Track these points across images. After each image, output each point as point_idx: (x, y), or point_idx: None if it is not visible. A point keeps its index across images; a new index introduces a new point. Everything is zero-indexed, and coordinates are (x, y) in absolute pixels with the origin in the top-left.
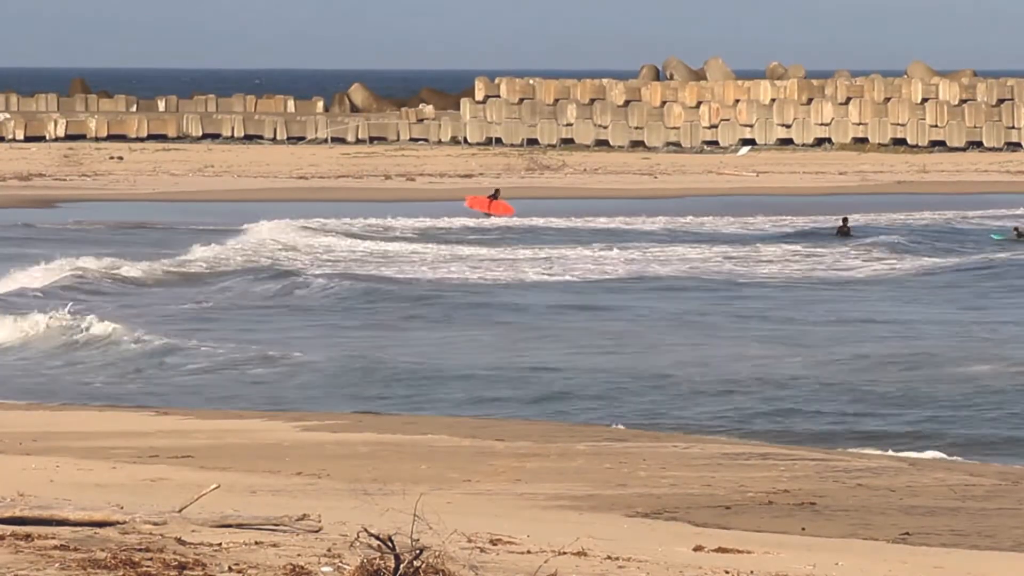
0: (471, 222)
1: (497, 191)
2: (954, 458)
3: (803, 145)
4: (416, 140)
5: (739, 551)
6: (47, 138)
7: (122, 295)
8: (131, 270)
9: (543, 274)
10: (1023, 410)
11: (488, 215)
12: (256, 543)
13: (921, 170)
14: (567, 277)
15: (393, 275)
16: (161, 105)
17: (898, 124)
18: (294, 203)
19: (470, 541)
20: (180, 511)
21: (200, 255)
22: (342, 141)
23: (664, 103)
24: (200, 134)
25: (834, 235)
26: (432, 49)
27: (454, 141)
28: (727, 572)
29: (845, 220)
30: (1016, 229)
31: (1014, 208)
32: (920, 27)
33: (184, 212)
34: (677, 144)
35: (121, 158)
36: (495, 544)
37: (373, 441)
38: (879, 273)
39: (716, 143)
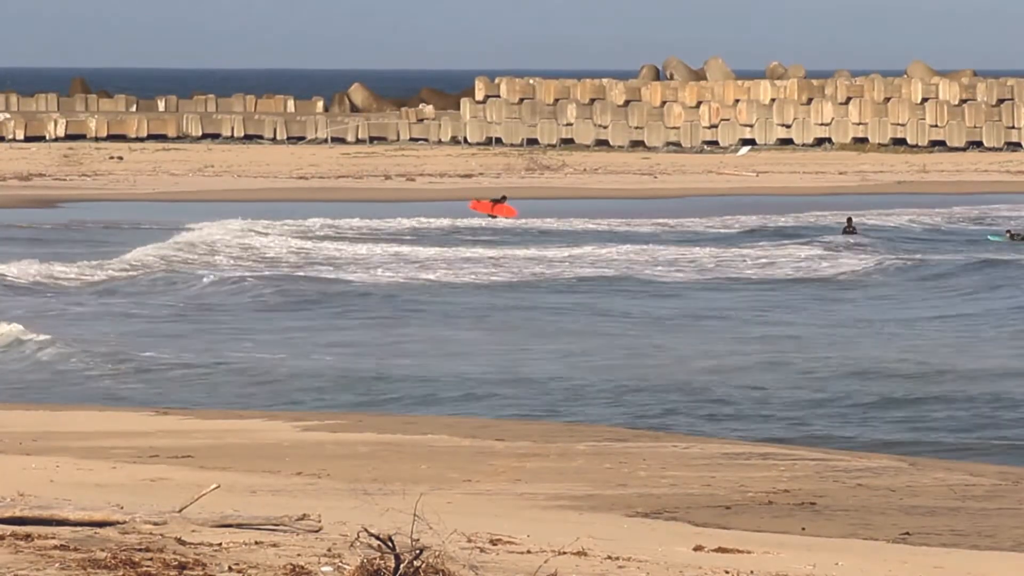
0: (462, 223)
1: (504, 197)
2: (954, 458)
3: (803, 145)
4: (416, 140)
5: (739, 551)
6: (47, 138)
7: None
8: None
9: (541, 274)
10: (1023, 409)
11: (493, 216)
12: (256, 543)
13: (921, 170)
14: (566, 277)
15: (390, 276)
16: (161, 105)
17: (898, 124)
18: (294, 203)
19: (470, 541)
20: (180, 511)
21: (154, 253)
22: (342, 141)
23: (664, 103)
24: (200, 134)
25: (837, 235)
26: (432, 49)
27: (454, 141)
28: (727, 572)
29: (850, 220)
30: (1009, 231)
31: (1015, 208)
32: (920, 27)
33: (183, 212)
34: (677, 144)
35: (121, 158)
36: (495, 544)
37: (373, 441)
38: (879, 273)
39: (716, 143)
